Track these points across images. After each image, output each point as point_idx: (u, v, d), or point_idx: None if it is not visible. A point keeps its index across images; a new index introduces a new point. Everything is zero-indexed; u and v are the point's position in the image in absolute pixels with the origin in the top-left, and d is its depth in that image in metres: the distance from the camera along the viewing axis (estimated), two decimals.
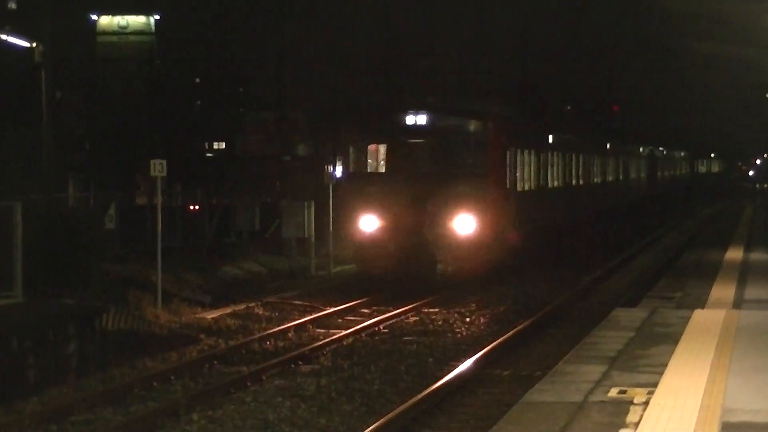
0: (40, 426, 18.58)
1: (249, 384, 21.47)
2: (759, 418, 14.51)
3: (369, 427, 18.40)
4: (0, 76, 35.48)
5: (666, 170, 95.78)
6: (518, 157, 38.87)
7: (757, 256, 43.13)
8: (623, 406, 15.36)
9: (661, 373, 17.99)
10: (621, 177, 73.00)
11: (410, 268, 33.42)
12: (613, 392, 16.46)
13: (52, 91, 31.09)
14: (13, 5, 33.06)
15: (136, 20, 46.41)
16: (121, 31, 46.35)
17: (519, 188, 38.92)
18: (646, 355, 20.08)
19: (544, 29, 73.27)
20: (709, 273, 35.95)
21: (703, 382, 17.20)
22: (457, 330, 31.38)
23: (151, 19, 49.46)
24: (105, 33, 49.39)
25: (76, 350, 24.00)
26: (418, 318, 30.88)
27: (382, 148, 34.91)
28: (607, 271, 43.18)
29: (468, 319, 32.14)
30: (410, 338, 28.64)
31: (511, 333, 28.63)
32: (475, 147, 34.30)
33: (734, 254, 43.81)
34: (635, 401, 15.62)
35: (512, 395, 20.20)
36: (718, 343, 21.38)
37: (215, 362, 24.13)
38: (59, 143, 33.84)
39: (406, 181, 33.56)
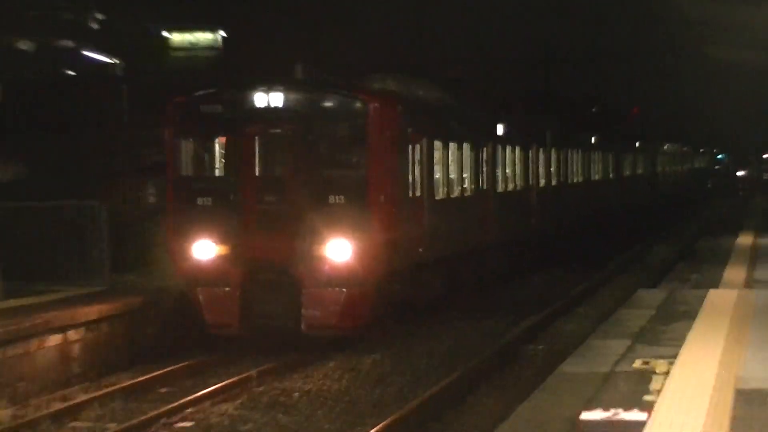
0: None
1: None
2: None
3: None
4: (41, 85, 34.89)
5: (666, 166, 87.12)
6: (438, 153, 27.60)
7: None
8: (647, 375, 15.47)
9: (681, 346, 18.02)
10: (612, 176, 61.47)
11: (265, 316, 21.84)
12: (638, 363, 16.56)
13: (125, 103, 31.32)
14: (95, 25, 33.39)
15: (204, 36, 47.13)
16: (191, 47, 47.09)
17: (438, 195, 27.41)
18: (667, 330, 20.17)
19: (565, 35, 72.51)
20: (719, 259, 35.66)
21: (718, 354, 17.25)
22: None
23: (218, 36, 50.05)
24: (176, 49, 50.23)
25: None
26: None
27: (223, 143, 22.96)
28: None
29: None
30: None
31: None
32: (353, 138, 22.43)
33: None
34: (657, 371, 15.69)
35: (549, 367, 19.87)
36: (732, 319, 21.39)
37: None
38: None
39: (256, 190, 22.16)
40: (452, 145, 28.67)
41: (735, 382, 14.75)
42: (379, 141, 22.20)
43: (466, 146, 30.13)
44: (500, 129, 34.45)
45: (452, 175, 28.74)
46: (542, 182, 41.17)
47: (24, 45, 33.11)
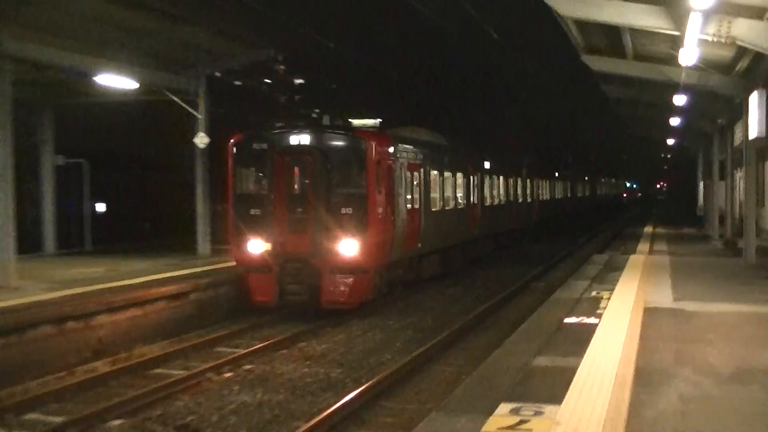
0: None
1: None
2: (662, 305, 17.69)
3: None
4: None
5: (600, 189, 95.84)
6: (435, 178, 28.86)
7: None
8: (598, 300, 18.63)
9: (615, 284, 21.46)
10: (569, 194, 68.02)
11: (293, 293, 22.94)
12: (593, 293, 19.86)
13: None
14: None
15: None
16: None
17: (435, 208, 28.63)
18: (608, 276, 23.64)
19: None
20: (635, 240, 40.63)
21: (635, 288, 20.43)
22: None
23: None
24: None
25: None
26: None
27: (266, 170, 23.33)
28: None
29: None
30: None
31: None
32: (357, 166, 22.87)
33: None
34: (603, 298, 18.91)
35: (547, 295, 22.70)
36: (642, 271, 24.97)
37: None
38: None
39: (290, 203, 23.24)
40: (446, 173, 30.21)
41: (644, 303, 17.83)
42: (376, 168, 22.82)
43: (459, 174, 31.98)
44: (486, 164, 37.02)
45: (447, 194, 30.21)
46: (521, 198, 46.13)
47: None
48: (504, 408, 10.03)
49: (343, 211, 22.56)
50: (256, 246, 23.08)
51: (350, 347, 19.48)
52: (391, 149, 24.35)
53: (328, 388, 15.74)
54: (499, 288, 28.60)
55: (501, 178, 40.57)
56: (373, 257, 22.87)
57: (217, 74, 29.73)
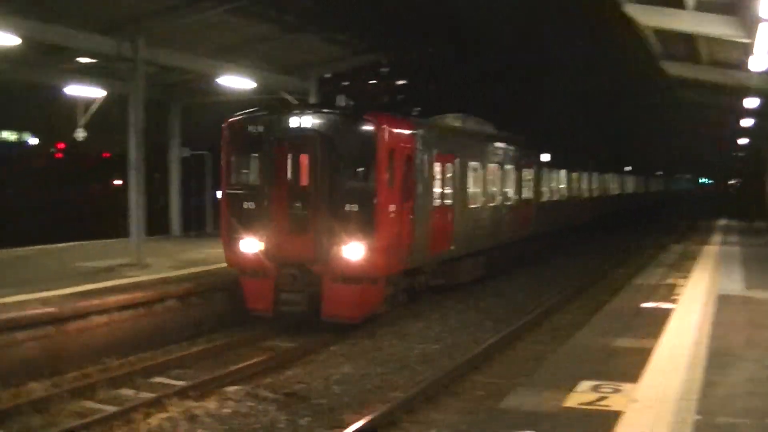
0: None
1: None
2: (734, 293, 17.45)
3: None
4: None
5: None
6: (475, 171, 23.31)
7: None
8: (674, 287, 18.56)
9: (690, 272, 21.45)
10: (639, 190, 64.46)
11: (291, 305, 17.69)
12: (670, 280, 19.82)
13: None
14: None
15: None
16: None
17: (474, 204, 23.44)
18: (684, 265, 23.41)
19: None
20: (709, 232, 40.11)
21: (708, 276, 20.37)
22: None
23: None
24: None
25: None
26: None
27: (264, 158, 18.09)
28: None
29: None
30: None
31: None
32: (364, 153, 17.31)
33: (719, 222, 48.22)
34: (678, 284, 18.92)
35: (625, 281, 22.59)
36: (715, 259, 24.85)
37: None
38: None
39: (289, 198, 17.95)
40: (491, 166, 24.88)
41: (717, 291, 17.67)
42: (388, 158, 17.55)
43: (509, 167, 26.76)
44: (544, 157, 32.01)
45: (492, 189, 24.96)
46: (593, 193, 42.91)
47: None
48: (585, 385, 10.04)
49: (348, 208, 17.25)
50: (250, 246, 18.06)
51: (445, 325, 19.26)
52: (412, 136, 18.96)
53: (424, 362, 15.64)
54: (579, 275, 28.05)
55: (565, 172, 36.51)
56: (384, 263, 17.61)
57: (327, 76, 29.88)
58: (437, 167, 20.48)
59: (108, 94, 24.78)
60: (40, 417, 12.23)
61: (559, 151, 34.72)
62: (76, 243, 26.64)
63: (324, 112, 17.88)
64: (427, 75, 41.33)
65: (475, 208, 23.43)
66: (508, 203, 26.95)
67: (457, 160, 21.94)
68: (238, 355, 16.39)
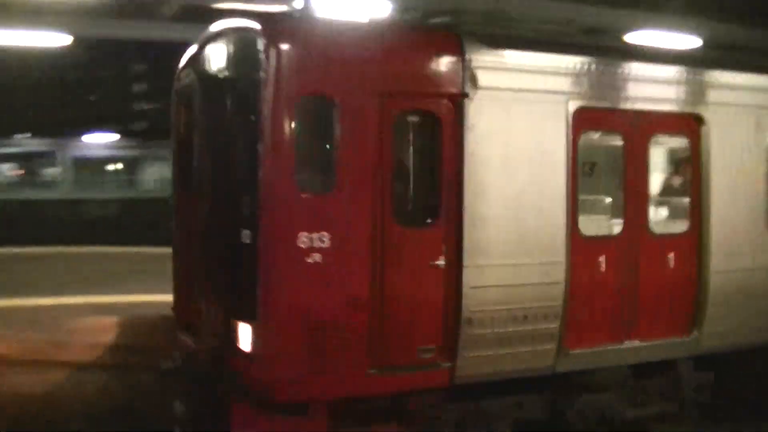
0: None
1: None
2: None
3: None
4: None
5: None
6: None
7: None
8: None
9: None
10: None
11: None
12: None
13: None
14: None
15: None
16: None
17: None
18: None
19: None
20: None
21: None
22: None
23: None
24: None
25: None
26: None
27: (175, 128, 9.62)
28: None
29: None
30: None
31: None
32: (250, 101, 7.63)
33: None
34: None
35: None
36: None
37: None
38: None
39: (192, 179, 9.10)
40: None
41: None
42: (293, 121, 7.64)
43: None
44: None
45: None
46: None
47: None
48: None
49: (225, 241, 8.48)
50: (179, 293, 9.87)
51: None
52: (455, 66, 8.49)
53: None
54: None
55: None
56: (296, 368, 7.85)
57: None
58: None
59: None
60: None
61: None
62: None
63: (217, 32, 8.89)
64: None
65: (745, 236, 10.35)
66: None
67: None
68: None
